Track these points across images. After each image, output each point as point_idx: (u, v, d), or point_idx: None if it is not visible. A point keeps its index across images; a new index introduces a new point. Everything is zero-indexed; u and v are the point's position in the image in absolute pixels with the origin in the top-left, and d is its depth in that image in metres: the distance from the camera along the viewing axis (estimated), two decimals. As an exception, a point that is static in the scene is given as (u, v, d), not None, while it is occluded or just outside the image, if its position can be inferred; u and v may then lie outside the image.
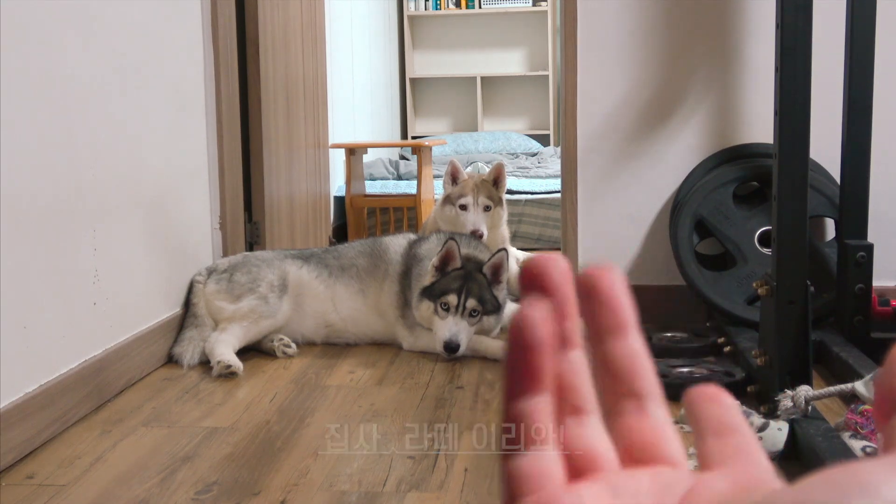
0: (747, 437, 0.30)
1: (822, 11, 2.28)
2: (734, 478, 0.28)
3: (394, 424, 2.07)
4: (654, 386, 0.31)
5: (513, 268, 3.34)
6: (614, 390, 0.31)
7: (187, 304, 2.72)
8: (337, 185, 4.93)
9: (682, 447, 0.31)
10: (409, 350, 2.70)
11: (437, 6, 7.50)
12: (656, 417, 0.31)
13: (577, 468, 0.30)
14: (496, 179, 3.42)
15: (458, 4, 7.51)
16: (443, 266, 2.63)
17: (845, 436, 1.74)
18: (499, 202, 3.42)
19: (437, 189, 4.96)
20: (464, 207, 3.36)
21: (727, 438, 0.30)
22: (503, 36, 7.57)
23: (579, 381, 0.31)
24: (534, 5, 7.44)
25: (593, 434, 0.30)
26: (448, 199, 3.39)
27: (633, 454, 0.30)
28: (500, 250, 2.73)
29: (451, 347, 2.54)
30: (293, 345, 2.67)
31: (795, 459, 1.75)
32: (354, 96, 5.76)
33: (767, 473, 0.29)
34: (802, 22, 1.90)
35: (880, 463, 0.24)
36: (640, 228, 2.97)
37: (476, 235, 3.23)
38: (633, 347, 0.31)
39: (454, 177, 3.40)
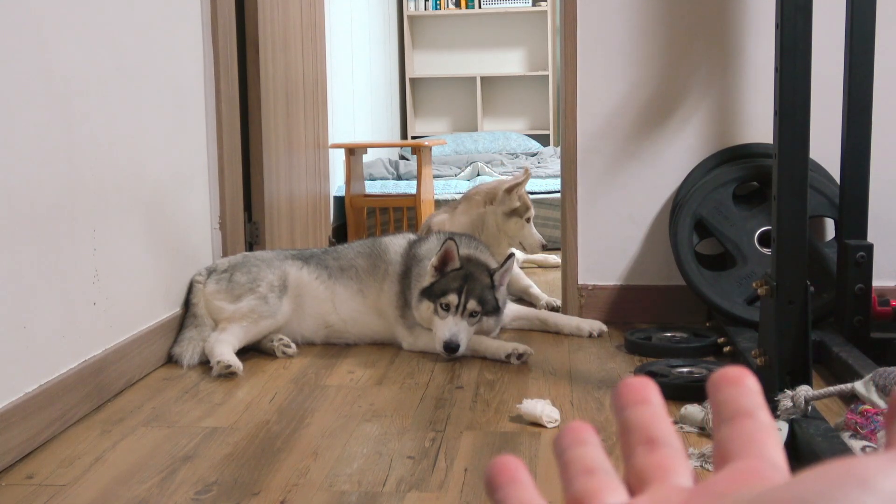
0: (761, 423, 0.30)
1: (822, 11, 2.28)
2: (732, 476, 0.28)
3: (394, 424, 2.07)
4: (671, 429, 0.32)
5: (514, 269, 3.36)
6: (630, 443, 0.32)
7: (187, 304, 2.72)
8: (337, 185, 4.93)
9: (691, 468, 0.31)
10: (409, 350, 2.70)
11: (436, 6, 7.50)
12: (667, 448, 0.31)
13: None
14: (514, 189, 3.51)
15: (457, 4, 7.51)
16: (442, 266, 2.63)
17: (845, 436, 1.74)
18: (527, 208, 3.52)
19: (437, 189, 4.96)
20: (529, 220, 3.45)
21: (741, 425, 0.30)
22: (503, 36, 7.57)
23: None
24: (534, 5, 7.44)
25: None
26: (516, 213, 3.42)
27: (642, 481, 0.30)
28: (510, 255, 2.74)
29: (450, 347, 2.54)
30: (293, 345, 2.67)
31: (795, 459, 1.75)
32: (354, 96, 5.76)
33: (774, 468, 0.28)
34: (802, 22, 1.90)
35: (877, 458, 0.24)
36: (640, 228, 2.97)
37: (545, 246, 3.46)
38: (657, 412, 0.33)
39: (491, 200, 3.46)
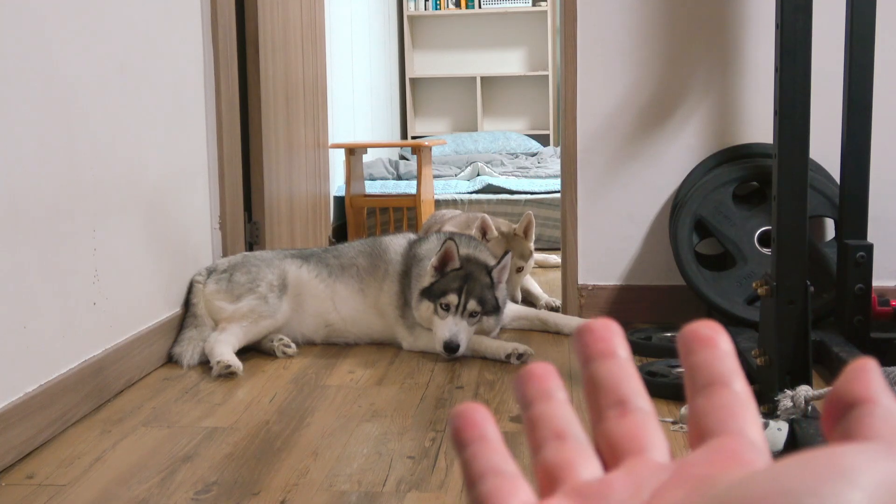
0: (737, 394, 0.29)
1: (822, 11, 2.28)
2: (711, 457, 0.27)
3: (394, 424, 2.07)
4: (640, 387, 0.31)
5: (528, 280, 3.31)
6: (599, 404, 0.31)
7: (187, 304, 2.72)
8: (337, 185, 4.93)
9: (665, 439, 0.30)
10: (409, 350, 2.70)
11: (437, 6, 7.50)
12: (639, 413, 0.30)
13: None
14: (525, 230, 3.27)
15: (458, 4, 7.51)
16: (442, 266, 2.63)
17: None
18: (530, 254, 3.28)
19: (437, 189, 4.96)
20: (521, 270, 3.23)
21: (717, 395, 0.29)
22: (503, 36, 7.57)
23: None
24: (534, 5, 7.44)
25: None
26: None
27: (615, 452, 0.29)
28: (506, 252, 2.74)
29: (450, 347, 2.54)
30: (293, 345, 2.67)
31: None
32: (354, 96, 5.76)
33: (753, 447, 0.27)
34: (802, 22, 1.90)
35: (861, 448, 0.24)
36: (640, 228, 2.97)
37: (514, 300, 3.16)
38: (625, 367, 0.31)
39: (484, 232, 3.22)
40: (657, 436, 0.29)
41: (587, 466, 0.29)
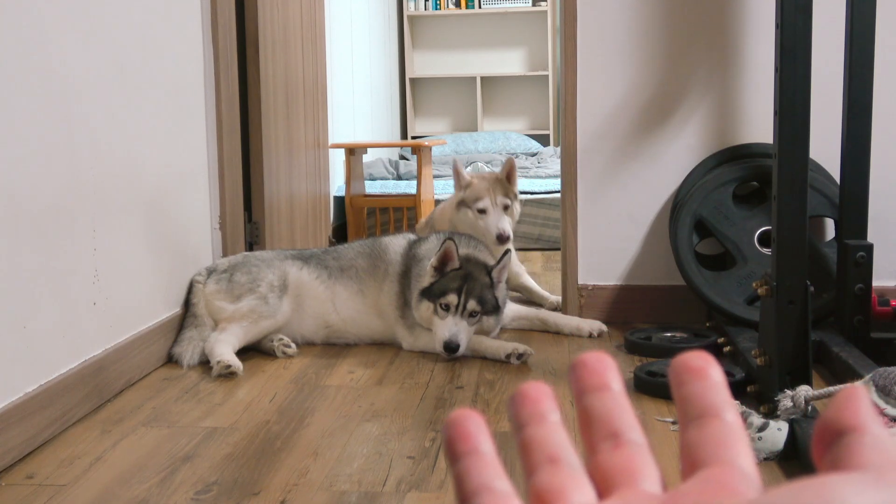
0: (729, 425, 0.29)
1: (822, 11, 2.28)
2: (702, 488, 0.27)
3: (394, 424, 2.07)
4: (633, 420, 0.31)
5: (514, 267, 3.33)
6: (593, 437, 0.31)
7: (187, 304, 2.72)
8: (337, 185, 4.93)
9: (658, 470, 0.30)
10: (409, 350, 2.70)
11: (437, 6, 7.50)
12: (632, 446, 0.30)
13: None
14: (508, 175, 3.24)
15: (458, 4, 7.51)
16: (441, 266, 2.63)
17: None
18: (515, 198, 3.25)
19: (437, 189, 4.96)
20: (482, 211, 3.17)
21: (709, 427, 0.29)
22: (503, 36, 7.57)
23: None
24: (534, 5, 7.44)
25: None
26: (463, 203, 3.21)
27: (608, 484, 0.29)
28: (506, 252, 2.74)
29: (450, 348, 2.54)
30: (293, 345, 2.67)
31: (795, 459, 1.75)
32: (354, 96, 5.76)
33: (744, 478, 0.27)
34: (802, 22, 1.90)
35: (851, 478, 0.24)
36: (640, 228, 2.97)
37: (503, 239, 3.11)
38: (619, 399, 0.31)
39: (458, 177, 3.23)
40: (650, 467, 0.29)
41: (580, 493, 0.29)
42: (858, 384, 1.79)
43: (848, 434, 0.26)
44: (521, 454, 0.30)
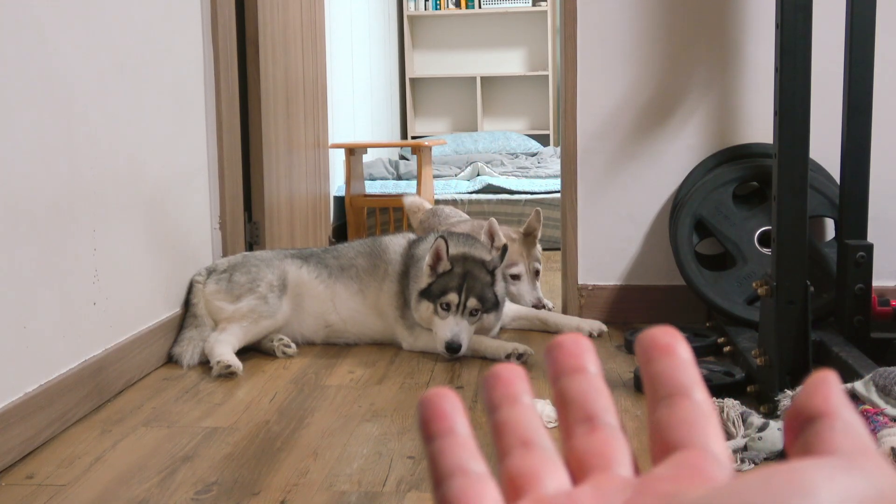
0: (699, 405, 0.29)
1: (822, 11, 2.28)
2: (675, 473, 0.27)
3: (394, 424, 2.07)
4: (609, 403, 0.31)
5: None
6: (568, 419, 0.30)
7: (187, 304, 2.72)
8: (337, 185, 4.93)
9: (631, 454, 0.30)
10: (409, 350, 2.70)
11: (437, 6, 7.50)
12: (607, 429, 0.30)
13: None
14: (532, 232, 3.13)
15: (458, 4, 7.51)
16: (437, 265, 2.63)
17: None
18: (539, 258, 3.16)
19: (437, 189, 4.96)
20: (515, 277, 3.08)
21: (678, 407, 0.28)
22: (503, 36, 7.57)
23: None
24: (534, 5, 7.44)
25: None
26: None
27: (582, 468, 0.29)
28: (504, 247, 2.74)
29: (453, 348, 2.53)
30: (293, 345, 2.67)
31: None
32: (354, 96, 5.76)
33: (715, 461, 0.27)
34: (802, 22, 1.90)
35: (821, 464, 0.24)
36: (640, 228, 2.97)
37: (540, 307, 3.04)
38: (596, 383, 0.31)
39: (492, 238, 3.02)
40: (623, 452, 0.29)
41: (553, 477, 0.29)
42: (858, 384, 1.79)
43: (819, 420, 0.26)
44: (494, 437, 0.30)
